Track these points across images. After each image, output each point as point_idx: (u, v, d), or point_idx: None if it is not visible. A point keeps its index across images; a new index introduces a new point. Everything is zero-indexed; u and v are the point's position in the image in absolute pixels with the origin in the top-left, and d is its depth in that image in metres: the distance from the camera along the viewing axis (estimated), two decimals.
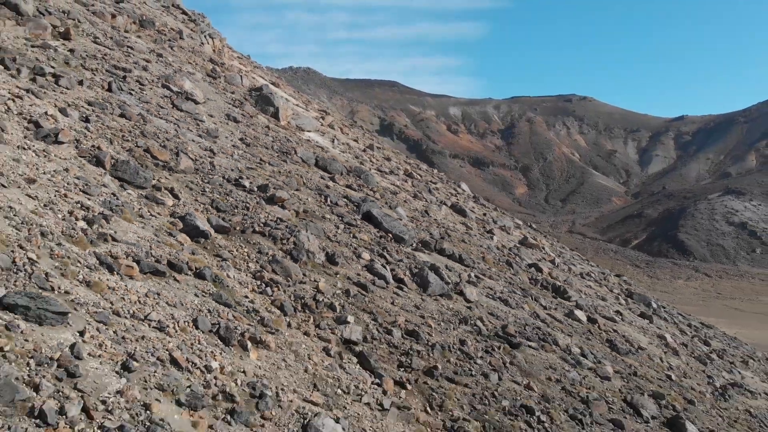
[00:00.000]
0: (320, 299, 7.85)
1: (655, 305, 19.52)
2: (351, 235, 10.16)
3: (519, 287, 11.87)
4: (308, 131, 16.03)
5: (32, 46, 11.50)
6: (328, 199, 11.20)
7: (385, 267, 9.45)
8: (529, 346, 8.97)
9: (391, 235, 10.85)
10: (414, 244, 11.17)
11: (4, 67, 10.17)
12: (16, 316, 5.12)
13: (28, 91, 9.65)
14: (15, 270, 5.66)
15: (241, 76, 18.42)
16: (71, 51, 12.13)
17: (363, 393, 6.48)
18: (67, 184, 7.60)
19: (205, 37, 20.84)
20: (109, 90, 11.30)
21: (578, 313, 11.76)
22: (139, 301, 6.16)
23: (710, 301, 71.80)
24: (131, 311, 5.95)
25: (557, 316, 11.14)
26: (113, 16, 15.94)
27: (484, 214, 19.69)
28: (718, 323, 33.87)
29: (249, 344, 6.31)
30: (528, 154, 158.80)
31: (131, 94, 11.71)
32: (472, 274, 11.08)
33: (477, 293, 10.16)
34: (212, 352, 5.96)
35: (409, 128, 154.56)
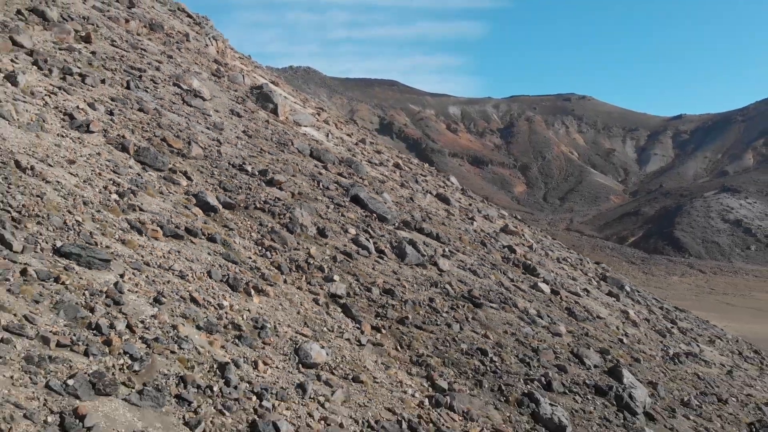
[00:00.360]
0: (311, 262, 9.37)
1: (628, 288, 20.95)
2: (339, 213, 11.69)
3: (490, 263, 13.37)
4: (304, 126, 17.54)
5: (59, 49, 13.00)
6: (321, 184, 12.72)
7: (368, 240, 10.96)
8: (491, 306, 10.48)
9: (375, 215, 12.37)
10: (396, 224, 12.68)
11: (38, 68, 11.69)
12: (70, 261, 6.65)
13: (60, 88, 11.17)
14: (66, 229, 7.19)
15: (243, 75, 19.92)
16: (93, 53, 13.63)
17: (344, 331, 8.00)
18: (100, 165, 9.12)
19: (209, 39, 22.35)
20: (128, 88, 12.82)
21: (542, 285, 13.26)
22: (164, 256, 7.68)
23: (703, 297, 72.91)
24: (158, 263, 7.47)
25: (522, 286, 12.64)
26: (127, 21, 17.46)
27: (470, 204, 21.14)
28: (709, 317, 35.12)
29: (252, 291, 7.83)
30: (527, 152, 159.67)
31: (147, 91, 13.22)
32: (447, 250, 12.60)
33: (449, 264, 11.67)
34: (223, 295, 7.48)
35: (408, 127, 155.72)
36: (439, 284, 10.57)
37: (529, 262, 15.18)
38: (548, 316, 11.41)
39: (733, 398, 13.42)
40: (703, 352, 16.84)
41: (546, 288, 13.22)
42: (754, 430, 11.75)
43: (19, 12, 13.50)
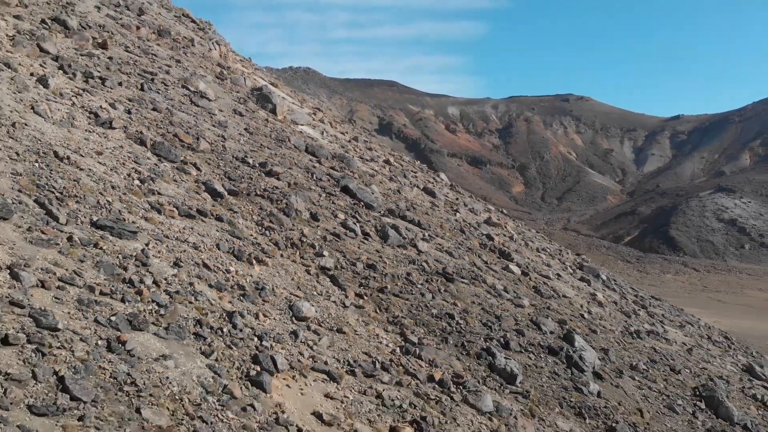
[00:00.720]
0: (304, 241, 10.87)
1: (604, 277, 22.38)
2: (330, 201, 13.19)
3: (466, 247, 14.86)
4: (301, 125, 19.04)
5: (81, 55, 14.51)
6: (314, 176, 14.23)
7: (355, 224, 12.47)
8: (462, 282, 11.98)
9: (363, 203, 13.86)
10: (382, 211, 14.16)
11: (63, 72, 13.19)
12: (105, 232, 8.15)
13: (84, 90, 12.68)
14: (99, 207, 8.70)
15: (244, 77, 21.41)
16: (110, 58, 15.14)
17: (331, 296, 9.51)
18: (123, 156, 10.63)
19: (212, 44, 23.86)
20: (142, 89, 14.32)
21: (513, 267, 14.74)
22: (180, 231, 9.19)
23: (695, 294, 74.16)
24: (176, 236, 8.98)
25: (494, 267, 14.13)
26: (138, 28, 18.96)
27: (456, 199, 22.60)
28: (700, 313, 36.47)
29: (254, 261, 9.33)
30: (525, 153, 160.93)
31: (159, 93, 14.72)
32: (427, 234, 14.09)
33: (427, 247, 13.17)
34: (229, 263, 8.99)
35: (407, 127, 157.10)
36: (417, 262, 12.08)
37: (506, 249, 16.64)
38: (514, 292, 12.91)
39: (686, 369, 14.83)
40: (667, 332, 18.23)
41: (517, 270, 14.70)
42: (698, 393, 13.21)
43: (43, 21, 14.99)
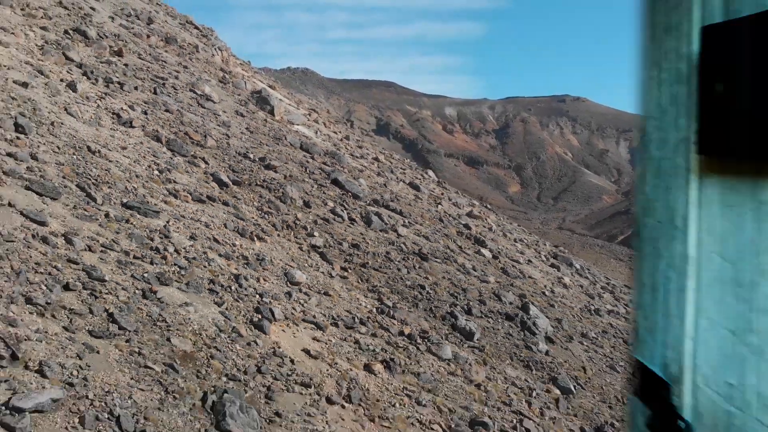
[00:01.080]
0: (298, 223, 12.71)
1: (578, 266, 24.21)
2: (321, 191, 15.04)
3: (443, 234, 16.71)
4: (297, 125, 20.89)
5: (100, 62, 16.34)
6: (307, 169, 16.07)
7: (343, 211, 14.31)
8: (435, 261, 13.82)
9: (350, 194, 15.71)
10: (367, 201, 16.01)
11: (87, 78, 15.02)
12: (134, 211, 9.99)
13: (106, 94, 14.51)
14: (127, 192, 10.53)
15: (244, 81, 23.25)
16: (126, 65, 16.97)
17: (320, 267, 11.35)
18: (143, 151, 12.46)
19: (215, 49, 25.70)
20: (155, 93, 16.15)
21: (485, 251, 16.58)
22: (194, 213, 11.02)
23: None
24: (190, 216, 10.81)
25: (467, 251, 15.97)
26: (148, 36, 20.80)
27: (441, 194, 24.44)
28: None
29: (255, 238, 11.17)
30: (522, 153, 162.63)
31: (169, 96, 16.56)
32: (407, 221, 15.94)
33: (407, 231, 15.02)
34: (235, 238, 10.83)
35: (405, 128, 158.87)
36: (396, 243, 13.93)
37: (482, 237, 18.48)
38: (482, 271, 14.75)
39: None
40: (630, 313, 20.07)
41: (488, 254, 16.55)
42: None
43: (66, 31, 16.82)
